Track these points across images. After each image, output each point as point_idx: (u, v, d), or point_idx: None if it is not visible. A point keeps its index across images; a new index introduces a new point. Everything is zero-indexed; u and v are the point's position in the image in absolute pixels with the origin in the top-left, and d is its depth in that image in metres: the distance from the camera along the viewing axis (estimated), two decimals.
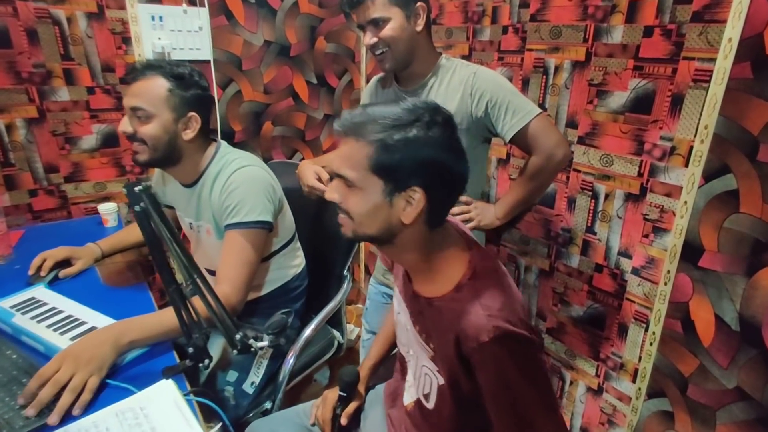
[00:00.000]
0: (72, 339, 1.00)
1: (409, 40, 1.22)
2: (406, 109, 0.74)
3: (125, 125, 1.14)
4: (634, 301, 1.41)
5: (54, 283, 1.27)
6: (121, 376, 0.95)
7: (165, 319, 1.00)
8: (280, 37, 2.05)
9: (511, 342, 0.73)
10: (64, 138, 1.67)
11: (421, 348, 0.90)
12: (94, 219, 1.69)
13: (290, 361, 1.36)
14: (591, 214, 1.47)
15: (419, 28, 1.23)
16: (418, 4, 1.21)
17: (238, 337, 0.93)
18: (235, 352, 0.95)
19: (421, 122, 0.72)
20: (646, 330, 1.39)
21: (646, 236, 1.34)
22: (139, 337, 0.97)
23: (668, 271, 1.30)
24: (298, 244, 1.48)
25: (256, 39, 1.99)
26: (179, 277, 1.02)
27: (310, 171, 1.33)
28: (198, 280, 0.91)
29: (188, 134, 1.18)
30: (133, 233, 1.55)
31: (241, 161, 1.21)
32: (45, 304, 1.14)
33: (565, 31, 1.43)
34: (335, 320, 1.62)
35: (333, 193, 0.80)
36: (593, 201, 1.45)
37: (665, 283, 1.31)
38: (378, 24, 1.19)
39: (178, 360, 1.02)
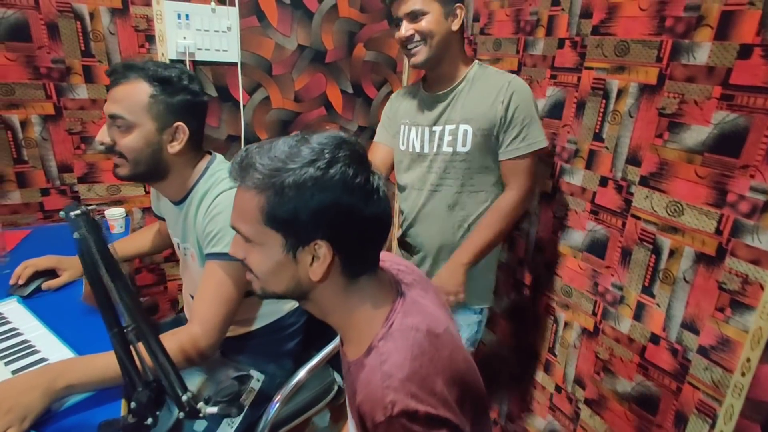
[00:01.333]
0: (13, 372, 0.88)
1: (444, 36, 1.22)
2: (308, 148, 0.62)
3: (103, 135, 1.02)
4: (698, 388, 1.12)
5: (33, 296, 1.18)
6: (53, 427, 0.81)
7: (115, 362, 0.85)
8: (316, 42, 1.91)
9: (411, 423, 0.58)
10: (80, 137, 1.61)
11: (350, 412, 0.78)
12: (101, 223, 1.61)
13: (273, 408, 1.19)
14: (650, 272, 1.20)
15: (455, 27, 1.23)
16: (457, 4, 1.22)
17: (185, 398, 0.77)
18: (181, 414, 0.79)
19: (319, 161, 0.60)
20: (712, 427, 1.10)
21: (721, 310, 1.06)
22: (79, 381, 0.84)
23: (748, 359, 1.01)
24: None
25: (289, 43, 1.86)
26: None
27: None
28: (143, 326, 0.76)
29: (174, 147, 1.04)
30: (135, 243, 1.46)
31: (229, 181, 1.06)
32: (8, 322, 1.04)
33: (634, 48, 1.17)
34: (337, 360, 1.44)
35: (235, 248, 0.70)
36: (654, 257, 1.18)
37: (743, 374, 1.02)
38: (416, 17, 1.21)
39: (123, 412, 0.87)
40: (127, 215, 1.63)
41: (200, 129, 1.10)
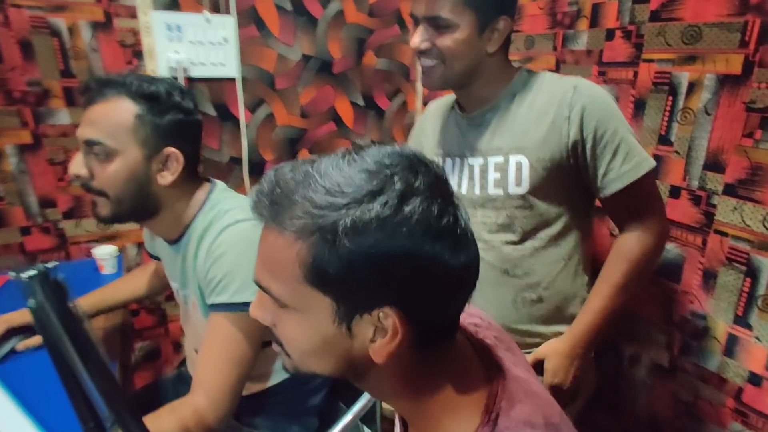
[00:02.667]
0: None
1: (472, 60, 0.89)
2: (365, 171, 0.42)
3: (77, 166, 0.83)
4: None
5: (7, 359, 0.98)
6: None
7: None
8: (322, 51, 1.74)
9: None
10: (63, 167, 1.43)
11: None
12: (90, 263, 1.42)
13: None
14: (744, 299, 0.99)
15: (491, 48, 0.89)
16: (502, 17, 0.87)
17: None
18: None
19: (386, 192, 0.41)
20: None
21: None
22: None
23: None
24: None
25: (293, 53, 1.69)
26: None
27: None
28: (127, 419, 0.56)
29: (166, 177, 0.85)
30: (129, 285, 1.26)
31: (234, 214, 0.87)
32: None
33: (708, 32, 0.99)
34: (368, 414, 1.23)
35: (261, 311, 0.50)
36: (749, 280, 0.98)
37: None
38: (439, 26, 0.87)
39: None
40: (119, 253, 1.44)
41: (195, 154, 0.91)
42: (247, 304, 0.83)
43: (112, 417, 0.56)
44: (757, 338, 0.98)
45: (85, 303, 1.14)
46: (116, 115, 0.81)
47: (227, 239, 0.83)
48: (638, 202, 0.89)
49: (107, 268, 1.40)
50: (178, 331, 1.76)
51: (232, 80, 1.59)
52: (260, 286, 0.48)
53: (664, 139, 1.09)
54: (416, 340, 0.45)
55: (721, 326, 1.04)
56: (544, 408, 0.49)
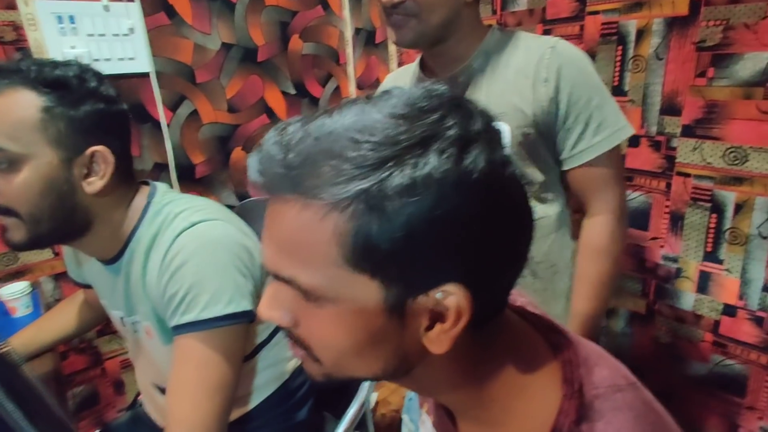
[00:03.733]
0: None
1: (450, 10, 0.80)
2: (401, 116, 0.33)
3: None
4: None
5: None
6: None
7: None
8: (243, 38, 1.59)
9: None
10: None
11: None
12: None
13: None
14: (712, 235, 1.02)
15: None
16: None
17: None
18: None
19: (442, 139, 0.33)
20: None
21: None
22: None
23: None
24: None
25: (212, 42, 1.52)
26: None
27: None
28: None
29: (94, 183, 0.69)
30: (54, 324, 1.05)
31: (190, 215, 0.73)
32: None
33: None
34: (359, 421, 1.13)
35: (276, 311, 0.39)
36: (714, 216, 1.01)
37: None
38: None
39: None
40: (33, 289, 1.21)
41: (127, 151, 0.76)
42: (221, 318, 0.71)
43: None
44: (727, 270, 1.02)
45: (17, 342, 0.94)
46: (16, 112, 0.64)
47: (185, 246, 0.69)
48: (599, 179, 0.83)
49: (20, 309, 1.17)
50: (116, 369, 1.54)
51: (146, 76, 1.40)
52: (278, 278, 0.37)
53: (617, 90, 1.10)
54: (474, 319, 0.37)
55: (693, 265, 1.07)
56: (619, 367, 0.43)
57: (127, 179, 0.76)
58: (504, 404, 0.42)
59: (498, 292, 0.39)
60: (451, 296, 0.34)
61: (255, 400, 0.90)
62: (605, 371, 0.41)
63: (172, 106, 1.48)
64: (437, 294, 0.34)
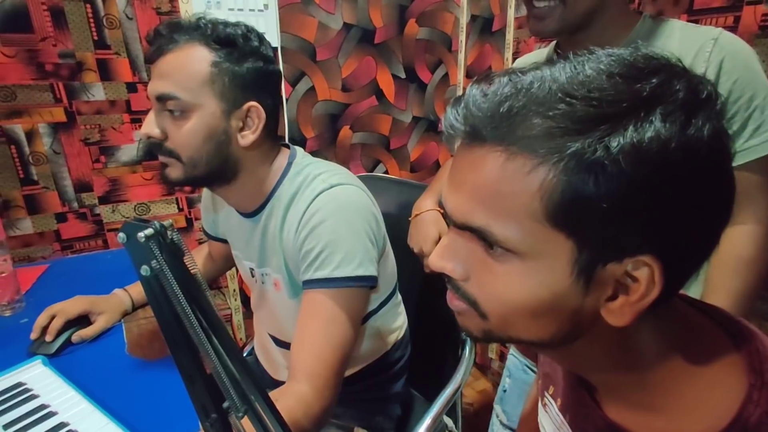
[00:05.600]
0: None
1: None
2: (621, 76, 0.32)
3: (150, 125, 0.72)
4: None
5: (63, 352, 0.88)
6: None
7: None
8: (363, 19, 1.63)
9: None
10: (98, 148, 1.32)
11: None
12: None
13: None
14: None
15: None
16: None
17: None
18: None
19: (668, 102, 0.31)
20: None
21: None
22: None
23: None
24: (399, 297, 1.01)
25: (334, 21, 1.58)
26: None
27: (433, 231, 0.90)
28: (257, 405, 0.47)
29: (247, 137, 0.75)
30: None
31: (329, 177, 0.77)
32: (32, 396, 0.74)
33: None
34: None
35: (446, 261, 0.40)
36: None
37: None
38: None
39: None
40: None
41: (276, 110, 0.81)
42: (351, 279, 0.74)
43: (243, 406, 0.46)
44: None
45: (138, 291, 1.05)
46: (191, 65, 0.71)
47: (325, 205, 0.73)
48: (757, 185, 0.75)
49: None
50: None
51: (273, 50, 1.48)
52: (464, 228, 0.37)
53: None
54: (659, 295, 0.36)
55: None
56: None
57: (273, 138, 0.81)
58: (669, 390, 0.40)
59: (686, 272, 0.37)
60: (644, 268, 0.33)
61: (360, 364, 0.94)
62: None
63: (293, 81, 1.56)
64: (629, 264, 0.34)
